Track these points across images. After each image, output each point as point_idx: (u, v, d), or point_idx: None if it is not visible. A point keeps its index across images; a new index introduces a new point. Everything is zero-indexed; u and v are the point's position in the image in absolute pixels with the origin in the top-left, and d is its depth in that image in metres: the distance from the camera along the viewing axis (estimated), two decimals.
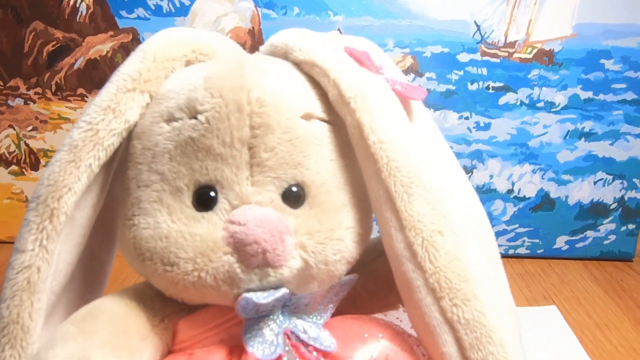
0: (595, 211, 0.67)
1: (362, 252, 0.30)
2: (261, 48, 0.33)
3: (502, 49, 0.62)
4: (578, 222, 0.68)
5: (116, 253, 0.36)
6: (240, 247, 0.26)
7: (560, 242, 0.69)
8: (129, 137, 0.29)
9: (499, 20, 0.61)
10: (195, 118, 0.27)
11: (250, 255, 0.26)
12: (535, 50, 0.62)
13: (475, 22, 0.61)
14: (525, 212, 0.67)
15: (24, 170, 0.65)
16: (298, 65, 0.30)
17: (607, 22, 0.60)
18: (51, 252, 0.27)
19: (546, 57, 0.62)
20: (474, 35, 0.61)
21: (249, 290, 0.26)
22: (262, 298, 0.26)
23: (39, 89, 0.63)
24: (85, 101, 0.63)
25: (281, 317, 0.27)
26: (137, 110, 0.28)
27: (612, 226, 0.68)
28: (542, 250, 0.69)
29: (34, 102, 0.63)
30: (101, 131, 0.27)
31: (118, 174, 0.30)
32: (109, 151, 0.28)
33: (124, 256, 0.29)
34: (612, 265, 0.68)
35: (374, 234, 0.31)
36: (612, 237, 0.68)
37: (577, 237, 0.68)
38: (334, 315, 0.29)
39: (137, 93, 0.28)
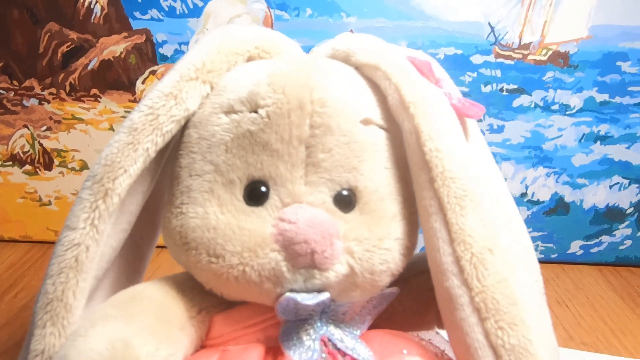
0: (610, 216, 0.66)
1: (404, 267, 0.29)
2: (322, 52, 0.33)
3: (516, 51, 0.61)
4: (593, 227, 0.67)
5: (157, 243, 0.36)
6: (289, 246, 0.25)
7: (575, 246, 0.68)
8: (185, 126, 0.29)
9: (513, 21, 0.60)
10: (256, 112, 0.27)
11: (298, 255, 0.25)
12: (550, 52, 0.61)
13: (489, 24, 0.60)
14: (539, 216, 0.67)
15: (37, 169, 0.66)
16: (359, 68, 0.30)
17: (624, 24, 0.59)
18: (101, 233, 0.27)
19: (561, 59, 0.61)
20: (487, 36, 0.61)
21: (292, 291, 0.26)
22: (307, 299, 0.25)
23: (53, 90, 0.63)
24: (99, 102, 0.63)
25: (319, 323, 0.27)
26: (198, 99, 0.29)
27: (628, 231, 0.67)
28: (556, 255, 0.68)
29: (48, 102, 0.63)
30: (161, 116, 0.27)
31: (168, 163, 0.30)
32: (166, 137, 0.28)
33: (167, 245, 0.29)
34: (627, 270, 0.67)
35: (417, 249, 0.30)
36: (628, 242, 0.67)
37: (592, 242, 0.67)
38: (368, 328, 0.29)
39: (199, 82, 0.28)
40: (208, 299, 0.29)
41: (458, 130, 0.28)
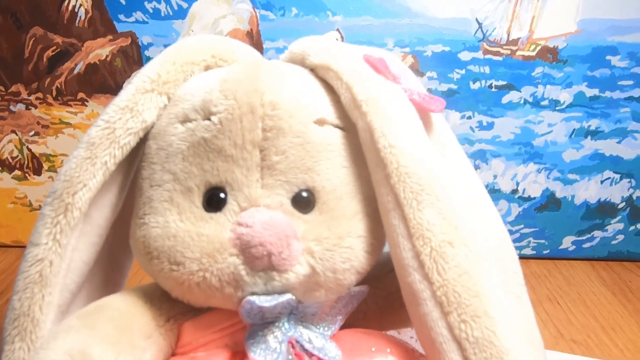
0: (602, 211, 0.66)
1: (375, 265, 0.29)
2: (281, 56, 0.33)
3: (504, 47, 0.61)
4: (585, 222, 0.67)
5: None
6: (245, 249, 0.26)
7: (567, 242, 0.67)
8: (146, 138, 0.29)
9: (501, 17, 0.60)
10: (209, 119, 0.27)
11: (255, 258, 0.25)
12: (538, 48, 0.60)
13: (476, 20, 0.60)
14: (530, 213, 0.66)
15: (27, 175, 0.66)
16: (314, 70, 0.31)
17: (613, 17, 0.59)
18: (64, 247, 0.27)
19: (550, 54, 0.61)
20: (475, 33, 0.60)
21: (253, 294, 0.26)
22: (265, 302, 0.25)
23: (40, 94, 0.63)
24: (86, 105, 0.63)
25: (287, 325, 0.27)
26: (155, 111, 0.29)
27: (620, 226, 0.67)
28: (548, 251, 0.68)
29: (36, 107, 0.63)
30: (118, 130, 0.28)
31: (135, 175, 0.31)
32: (125, 150, 0.28)
33: (135, 256, 0.30)
34: (620, 265, 0.67)
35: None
36: (620, 237, 0.67)
37: (584, 238, 0.67)
38: (343, 328, 0.28)
39: (155, 94, 0.29)
40: (176, 307, 0.29)
41: (415, 124, 0.28)
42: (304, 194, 0.27)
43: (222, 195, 0.27)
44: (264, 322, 0.26)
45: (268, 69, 0.29)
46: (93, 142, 0.28)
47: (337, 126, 0.29)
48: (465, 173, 0.31)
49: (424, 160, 0.27)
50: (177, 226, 0.27)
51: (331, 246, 0.27)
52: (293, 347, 0.26)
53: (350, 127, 0.29)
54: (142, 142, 0.30)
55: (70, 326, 0.26)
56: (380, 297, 0.33)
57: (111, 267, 0.34)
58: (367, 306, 0.32)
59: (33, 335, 0.27)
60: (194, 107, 0.28)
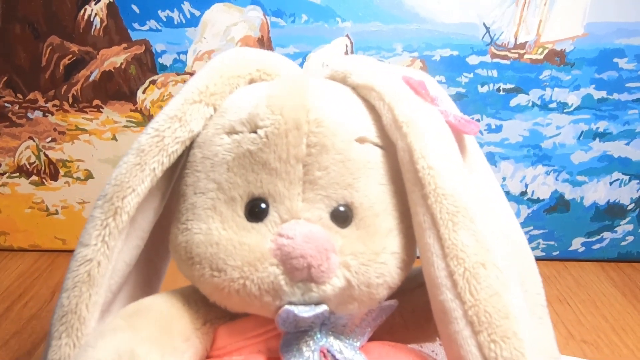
0: (611, 212, 0.66)
1: (403, 280, 0.30)
2: (322, 72, 0.34)
3: (512, 51, 0.61)
4: (594, 224, 0.67)
5: (171, 259, 0.37)
6: (286, 260, 0.26)
7: (576, 243, 0.68)
8: (190, 146, 0.31)
9: (508, 21, 0.61)
10: (255, 132, 0.28)
11: (295, 269, 0.26)
12: (546, 51, 0.61)
13: (484, 24, 0.61)
14: (539, 214, 0.67)
15: (44, 180, 0.67)
16: (355, 89, 0.31)
17: (620, 20, 0.59)
18: (112, 249, 0.28)
19: (557, 58, 0.61)
20: (483, 37, 0.61)
21: (290, 303, 0.27)
22: (304, 312, 0.26)
23: (56, 102, 0.64)
24: (101, 112, 0.65)
25: (319, 335, 0.28)
26: (201, 121, 0.30)
27: (630, 227, 0.67)
28: (557, 253, 0.68)
29: (52, 114, 0.65)
30: (167, 138, 0.29)
31: (177, 181, 0.32)
32: (172, 157, 0.29)
33: (174, 259, 0.31)
34: (630, 266, 0.67)
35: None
36: (630, 238, 0.67)
37: (593, 239, 0.67)
38: (370, 340, 0.29)
39: (203, 105, 0.30)
40: (213, 311, 0.30)
41: (452, 147, 0.29)
42: (342, 209, 0.28)
43: (263, 205, 0.28)
44: (297, 330, 0.27)
45: (313, 86, 0.30)
46: (143, 149, 0.29)
47: (376, 144, 0.30)
48: (493, 193, 0.32)
49: (460, 183, 0.28)
50: (220, 234, 0.28)
51: (366, 261, 0.28)
52: (325, 356, 0.27)
53: (389, 145, 0.30)
54: (186, 149, 0.31)
55: (116, 326, 0.27)
56: (406, 311, 0.33)
57: (148, 269, 0.35)
58: (393, 319, 0.32)
59: (79, 332, 0.28)
60: (240, 119, 0.29)
